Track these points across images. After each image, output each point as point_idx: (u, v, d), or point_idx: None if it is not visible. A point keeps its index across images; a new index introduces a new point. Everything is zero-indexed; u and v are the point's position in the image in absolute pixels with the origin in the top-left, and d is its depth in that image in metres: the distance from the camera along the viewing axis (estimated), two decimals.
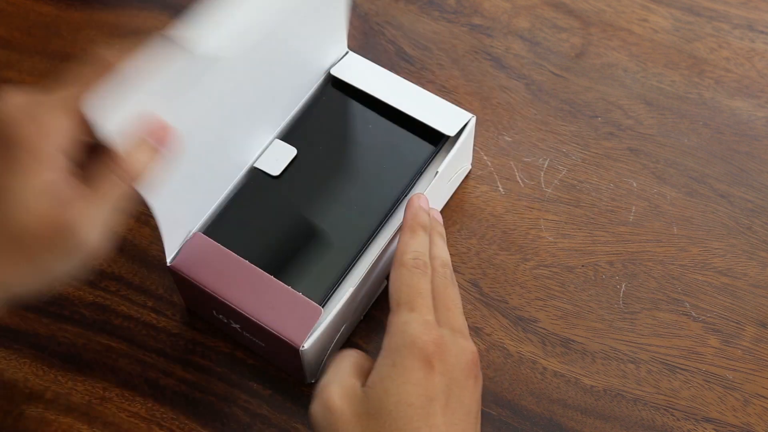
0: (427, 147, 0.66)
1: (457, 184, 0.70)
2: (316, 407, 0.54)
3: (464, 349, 0.55)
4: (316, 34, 0.67)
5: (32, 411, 0.64)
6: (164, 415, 0.64)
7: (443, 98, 0.68)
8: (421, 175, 0.66)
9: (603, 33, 0.76)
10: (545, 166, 0.71)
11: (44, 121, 0.49)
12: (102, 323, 0.67)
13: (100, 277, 0.68)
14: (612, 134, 0.72)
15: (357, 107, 0.68)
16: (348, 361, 0.55)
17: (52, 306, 0.67)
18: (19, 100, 0.49)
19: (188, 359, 0.65)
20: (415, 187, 0.65)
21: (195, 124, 0.62)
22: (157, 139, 0.52)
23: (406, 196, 0.65)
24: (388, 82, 0.68)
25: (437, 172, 0.64)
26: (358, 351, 0.56)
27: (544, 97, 0.74)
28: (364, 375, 0.54)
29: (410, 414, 0.51)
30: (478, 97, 0.74)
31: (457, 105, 0.72)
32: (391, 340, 0.54)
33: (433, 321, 0.55)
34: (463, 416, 0.53)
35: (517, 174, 0.70)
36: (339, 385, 0.54)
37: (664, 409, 0.63)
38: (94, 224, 0.50)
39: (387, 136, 0.67)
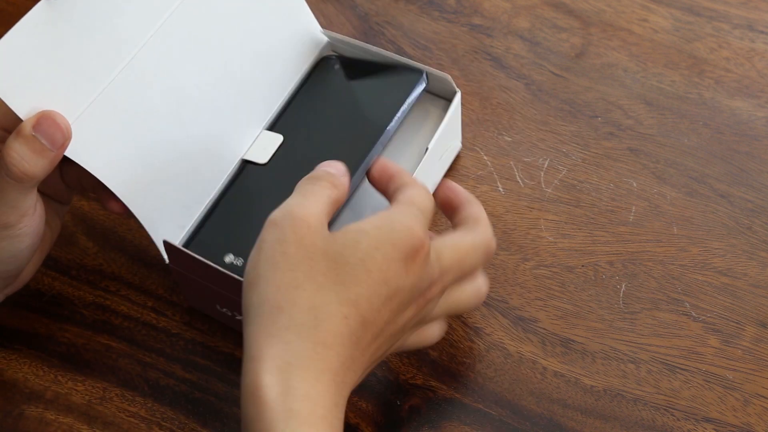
0: (405, 86, 0.66)
1: (449, 164, 0.70)
2: (285, 214, 0.52)
3: (431, 276, 0.53)
4: (284, 22, 0.68)
5: (32, 411, 0.64)
6: (164, 415, 0.64)
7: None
8: (399, 111, 0.66)
9: (603, 33, 0.76)
10: (545, 166, 0.71)
11: None
12: (102, 323, 0.67)
13: (100, 277, 0.68)
14: (612, 134, 0.72)
15: (338, 75, 0.69)
16: (326, 194, 0.54)
17: (52, 306, 0.67)
18: None
19: (188, 359, 0.65)
20: (394, 123, 0.65)
21: (180, 124, 0.63)
22: (48, 138, 0.54)
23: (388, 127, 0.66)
24: (369, 50, 0.70)
25: (427, 148, 0.65)
26: (338, 181, 0.55)
27: (544, 97, 0.74)
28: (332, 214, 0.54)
29: (363, 279, 0.50)
30: (478, 97, 0.74)
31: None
32: (392, 213, 0.53)
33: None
34: (390, 318, 0.52)
35: (517, 174, 0.71)
36: (315, 207, 0.52)
37: (664, 409, 0.63)
38: None
39: (366, 88, 0.67)
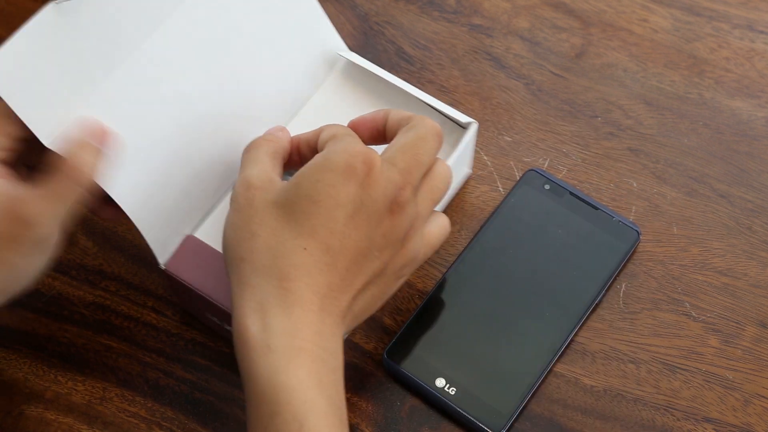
0: (619, 243, 0.67)
1: (457, 190, 0.70)
2: (237, 187, 0.56)
3: (393, 181, 0.54)
4: (301, 34, 0.67)
5: (32, 411, 0.64)
6: (164, 415, 0.64)
7: (443, 98, 0.68)
8: (615, 271, 0.67)
9: (603, 33, 0.76)
10: (545, 166, 0.71)
11: None
12: (102, 323, 0.67)
13: (100, 277, 0.68)
14: (612, 134, 0.72)
15: (547, 200, 0.69)
16: (263, 152, 0.57)
17: (52, 306, 0.67)
18: None
19: (188, 359, 0.65)
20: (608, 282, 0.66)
21: (182, 130, 0.62)
22: (98, 140, 0.56)
23: None
24: (387, 86, 0.68)
25: None
26: (271, 135, 0.59)
27: (544, 97, 0.74)
28: (281, 165, 0.58)
29: (312, 210, 0.53)
30: (478, 97, 0.74)
31: (457, 105, 0.72)
32: (326, 149, 0.55)
33: (365, 146, 0.55)
34: (364, 236, 0.53)
35: (517, 174, 0.70)
36: (256, 168, 0.56)
37: (664, 409, 0.63)
38: (48, 218, 0.54)
39: (578, 230, 0.67)
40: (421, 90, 0.67)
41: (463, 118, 0.66)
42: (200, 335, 0.66)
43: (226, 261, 0.55)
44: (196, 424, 0.63)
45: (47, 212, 0.55)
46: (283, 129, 0.60)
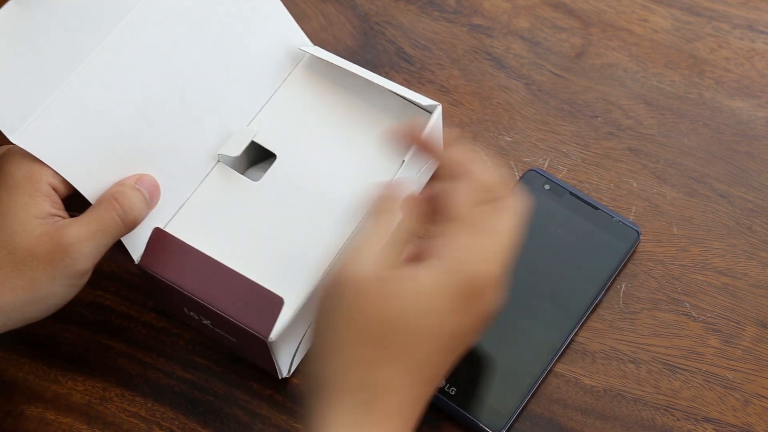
0: (619, 243, 0.67)
1: (428, 176, 0.69)
2: (333, 276, 0.50)
3: (497, 303, 0.51)
4: (263, 30, 0.67)
5: (32, 411, 0.64)
6: (164, 415, 0.64)
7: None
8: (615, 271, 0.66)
9: (603, 33, 0.76)
10: (545, 166, 0.71)
11: (35, 163, 0.58)
12: (102, 323, 0.67)
13: (100, 277, 0.68)
14: (612, 134, 0.72)
15: (547, 199, 0.68)
16: (380, 234, 0.50)
17: None
18: (16, 148, 0.58)
19: (188, 359, 0.65)
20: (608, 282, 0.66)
21: (147, 123, 0.62)
22: (149, 192, 0.61)
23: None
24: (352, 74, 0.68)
25: (404, 161, 0.64)
26: (393, 204, 0.51)
27: (544, 97, 0.74)
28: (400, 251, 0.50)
29: (423, 344, 0.49)
30: (478, 97, 0.74)
31: (457, 105, 0.72)
32: (453, 252, 0.49)
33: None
34: (453, 361, 0.51)
35: (517, 174, 0.70)
36: (367, 259, 0.49)
37: (664, 409, 0.63)
38: (85, 246, 0.57)
39: (577, 229, 0.67)
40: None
41: (425, 101, 0.65)
42: (200, 335, 0.66)
43: (316, 373, 0.50)
44: (196, 424, 0.63)
45: (86, 239, 0.57)
46: (407, 190, 0.53)
